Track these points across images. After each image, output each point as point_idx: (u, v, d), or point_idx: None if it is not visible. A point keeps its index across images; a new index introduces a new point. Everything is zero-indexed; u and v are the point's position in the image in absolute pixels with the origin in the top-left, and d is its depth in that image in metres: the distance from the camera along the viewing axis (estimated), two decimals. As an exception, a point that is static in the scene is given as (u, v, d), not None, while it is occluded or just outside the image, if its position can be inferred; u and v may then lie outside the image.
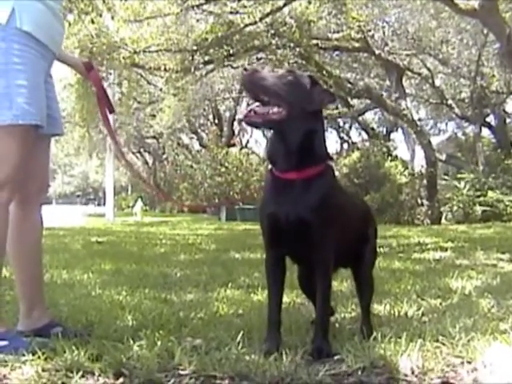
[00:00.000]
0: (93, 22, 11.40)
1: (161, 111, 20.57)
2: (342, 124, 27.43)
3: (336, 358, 1.96)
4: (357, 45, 14.25)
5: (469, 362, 1.91)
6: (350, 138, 27.82)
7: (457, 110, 18.48)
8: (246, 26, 12.33)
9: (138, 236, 9.95)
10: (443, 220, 15.20)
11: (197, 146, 31.22)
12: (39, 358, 1.91)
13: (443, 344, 2.08)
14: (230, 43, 12.31)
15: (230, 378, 1.78)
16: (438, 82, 18.88)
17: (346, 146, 27.07)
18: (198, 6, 12.09)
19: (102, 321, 2.55)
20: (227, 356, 1.93)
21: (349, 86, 15.75)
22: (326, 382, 1.76)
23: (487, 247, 6.60)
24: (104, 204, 25.93)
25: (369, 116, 25.38)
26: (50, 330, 2.25)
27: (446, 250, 6.62)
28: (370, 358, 1.90)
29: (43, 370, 1.82)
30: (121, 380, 1.78)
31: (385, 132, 25.20)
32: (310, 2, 12.76)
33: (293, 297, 3.17)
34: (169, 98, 16.82)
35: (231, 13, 12.42)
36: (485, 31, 14.03)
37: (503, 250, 6.24)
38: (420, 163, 18.31)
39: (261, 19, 12.17)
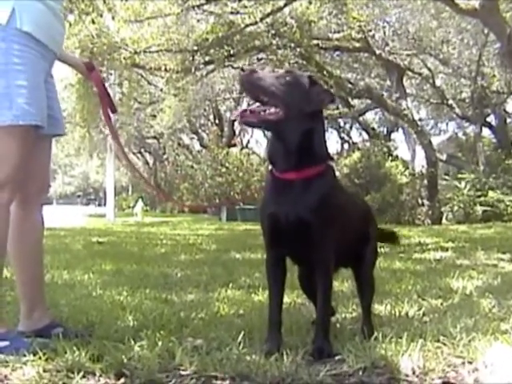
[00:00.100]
0: (93, 22, 11.41)
1: (161, 111, 20.55)
2: (342, 124, 27.43)
3: (337, 358, 1.96)
4: (357, 45, 14.25)
5: (470, 363, 1.91)
6: (350, 138, 27.82)
7: (457, 110, 18.47)
8: (247, 26, 12.33)
9: (138, 236, 9.95)
10: (444, 220, 15.19)
11: (197, 147, 31.24)
12: (40, 358, 1.90)
13: (444, 344, 2.08)
14: (231, 43, 12.32)
15: (231, 379, 1.78)
16: (438, 82, 18.89)
17: (346, 146, 27.08)
18: (198, 7, 12.10)
19: (102, 321, 2.55)
20: (228, 356, 1.93)
21: (349, 86, 15.77)
22: (327, 383, 1.76)
23: (488, 247, 6.60)
24: (105, 204, 25.96)
25: (369, 116, 25.40)
26: (50, 330, 2.25)
27: (447, 250, 6.62)
28: (371, 358, 1.90)
29: (44, 371, 1.82)
30: (122, 380, 1.78)
31: (385, 132, 25.15)
32: (310, 2, 12.76)
33: (293, 297, 3.16)
34: (169, 99, 16.81)
35: (232, 13, 12.42)
36: (485, 31, 14.03)
37: (504, 250, 6.23)
38: (421, 163, 18.31)
39: (261, 19, 12.17)
